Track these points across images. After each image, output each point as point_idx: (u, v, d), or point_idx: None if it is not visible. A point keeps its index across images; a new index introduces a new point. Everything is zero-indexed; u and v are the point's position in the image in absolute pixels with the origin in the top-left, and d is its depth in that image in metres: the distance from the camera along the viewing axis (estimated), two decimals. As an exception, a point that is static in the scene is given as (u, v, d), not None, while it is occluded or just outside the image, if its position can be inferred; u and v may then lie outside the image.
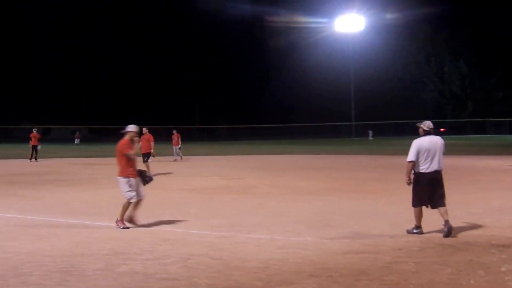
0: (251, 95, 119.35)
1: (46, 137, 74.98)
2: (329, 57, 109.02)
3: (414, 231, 12.56)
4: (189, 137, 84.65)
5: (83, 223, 14.21)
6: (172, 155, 42.07)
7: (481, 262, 9.71)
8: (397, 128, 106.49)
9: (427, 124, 12.85)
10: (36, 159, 40.19)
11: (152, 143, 28.68)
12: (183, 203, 18.31)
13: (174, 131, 42.13)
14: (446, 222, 12.26)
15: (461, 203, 17.53)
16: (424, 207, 12.72)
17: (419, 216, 12.66)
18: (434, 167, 12.49)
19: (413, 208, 12.78)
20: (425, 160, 12.46)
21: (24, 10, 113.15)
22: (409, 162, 12.55)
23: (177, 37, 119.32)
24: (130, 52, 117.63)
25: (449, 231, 12.08)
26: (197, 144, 74.91)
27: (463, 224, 13.50)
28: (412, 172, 12.67)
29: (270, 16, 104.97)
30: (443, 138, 12.76)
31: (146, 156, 28.64)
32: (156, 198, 19.53)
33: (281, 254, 10.36)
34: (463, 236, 12.00)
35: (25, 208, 15.64)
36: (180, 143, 41.88)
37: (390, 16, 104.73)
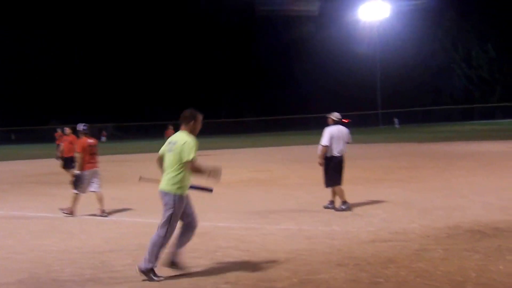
0: (277, 86, 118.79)
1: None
2: (354, 45, 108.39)
3: (343, 207, 14.23)
4: (216, 130, 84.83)
5: (112, 219, 14.35)
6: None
7: (510, 247, 9.66)
8: (424, 115, 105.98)
9: (335, 115, 14.85)
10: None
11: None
12: (210, 197, 18.31)
13: (170, 127, 41.60)
14: (332, 202, 14.57)
15: (491, 188, 17.49)
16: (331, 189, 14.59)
17: (341, 192, 14.44)
18: (343, 151, 14.60)
19: (330, 188, 14.61)
20: (336, 145, 14.46)
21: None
22: (324, 146, 14.45)
23: (200, 29, 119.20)
24: (153, 45, 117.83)
25: (347, 208, 14.11)
26: (224, 137, 75.04)
27: (493, 210, 13.48)
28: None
29: (294, 5, 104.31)
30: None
31: (68, 161, 22.38)
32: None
33: (309, 244, 10.39)
34: (492, 221, 11.95)
35: (56, 207, 15.76)
36: None
37: (415, 2, 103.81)
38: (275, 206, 15.61)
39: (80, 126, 15.13)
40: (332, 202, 14.58)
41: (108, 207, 15.26)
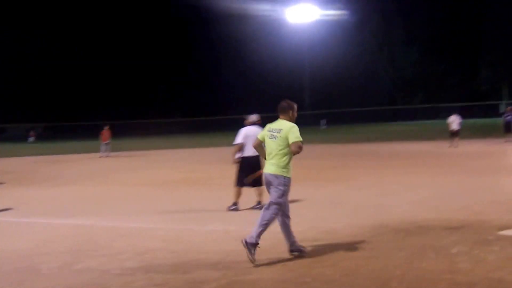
0: (206, 87, 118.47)
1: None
2: (283, 47, 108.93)
3: (232, 208, 14.72)
4: (145, 131, 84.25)
5: (43, 221, 14.14)
6: (101, 151, 41.61)
7: (434, 245, 9.89)
8: (351, 116, 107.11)
9: (253, 117, 15.13)
10: None
11: None
12: (140, 198, 18.32)
13: (106, 127, 41.51)
14: (259, 202, 14.53)
15: (416, 187, 17.86)
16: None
17: (238, 194, 14.78)
18: (255, 152, 13.46)
19: (235, 187, 14.84)
20: (250, 146, 13.62)
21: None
22: (236, 144, 14.71)
23: (131, 32, 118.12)
24: (84, 47, 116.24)
25: (258, 208, 14.04)
26: (153, 137, 74.62)
27: (417, 208, 13.76)
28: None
29: (222, 4, 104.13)
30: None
31: None
32: (114, 194, 19.61)
33: (237, 245, 10.37)
34: (417, 220, 12.20)
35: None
36: (109, 139, 41.40)
37: (342, 6, 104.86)
38: (203, 206, 15.62)
39: None
40: (259, 202, 14.63)
41: (37, 208, 15.07)
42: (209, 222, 13.05)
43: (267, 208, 9.44)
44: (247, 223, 12.73)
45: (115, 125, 44.66)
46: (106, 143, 41.22)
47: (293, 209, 14.15)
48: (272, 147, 9.53)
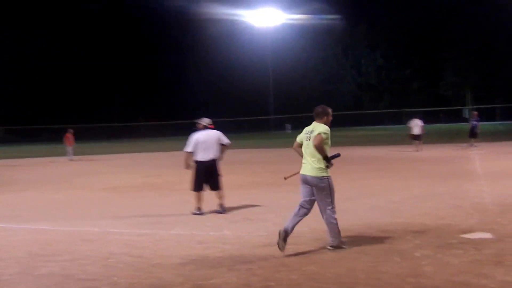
0: (170, 90, 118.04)
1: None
2: (248, 51, 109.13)
3: (196, 212, 14.60)
4: (108, 135, 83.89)
5: (2, 226, 13.93)
6: (68, 155, 41.28)
7: (398, 248, 9.93)
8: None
9: (205, 121, 15.24)
10: None
11: None
12: (103, 202, 18.19)
13: (71, 130, 41.32)
14: (220, 205, 14.75)
15: (380, 191, 17.94)
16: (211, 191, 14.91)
17: (199, 199, 14.72)
18: (210, 156, 14.68)
19: (194, 192, 14.84)
20: (203, 150, 14.64)
21: None
22: (187, 152, 14.84)
23: (91, 33, 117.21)
24: (43, 49, 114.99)
25: (223, 211, 14.58)
26: (116, 142, 74.28)
27: (381, 212, 13.82)
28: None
29: (187, 8, 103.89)
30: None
31: None
32: (76, 198, 19.44)
33: (201, 249, 10.41)
34: (381, 224, 12.25)
35: None
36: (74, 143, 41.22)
37: (307, 11, 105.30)
38: (167, 211, 15.56)
39: None
40: (221, 205, 14.74)
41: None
42: (173, 226, 12.99)
43: (325, 212, 10.21)
44: (212, 227, 12.75)
45: (77, 128, 44.32)
46: (70, 147, 40.97)
47: (259, 213, 14.25)
48: (308, 147, 10.16)
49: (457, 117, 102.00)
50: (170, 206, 16.55)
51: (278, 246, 9.74)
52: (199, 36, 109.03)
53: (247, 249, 10.24)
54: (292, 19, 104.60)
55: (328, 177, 10.12)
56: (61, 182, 25.69)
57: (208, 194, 14.85)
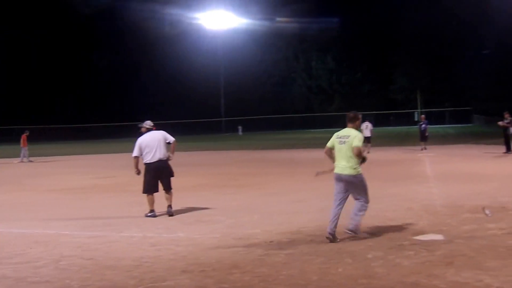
0: (122, 92, 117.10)
1: None
2: (199, 53, 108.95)
3: (149, 214, 14.49)
4: (61, 137, 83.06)
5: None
6: (22, 156, 40.71)
7: (349, 250, 10.02)
8: (267, 123, 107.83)
9: (147, 123, 15.26)
10: None
11: None
12: (55, 204, 18.04)
13: (27, 132, 40.85)
14: (169, 206, 14.68)
15: (330, 194, 17.96)
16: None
17: (151, 201, 14.64)
18: (157, 156, 14.65)
19: (145, 195, 14.80)
20: (149, 152, 14.64)
21: None
22: (134, 157, 14.92)
23: (42, 33, 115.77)
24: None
25: (170, 214, 14.49)
26: (68, 143, 73.61)
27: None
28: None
29: (139, 9, 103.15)
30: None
31: None
32: (27, 200, 19.24)
33: (154, 252, 10.39)
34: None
35: None
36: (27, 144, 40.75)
37: (258, 14, 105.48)
38: (119, 213, 15.51)
39: None
40: (169, 206, 14.71)
41: None
42: (126, 229, 12.94)
43: (360, 201, 11.28)
44: (164, 229, 12.73)
45: (30, 130, 43.70)
46: (25, 148, 40.51)
47: (209, 215, 14.26)
48: (342, 151, 11.14)
49: (408, 120, 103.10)
50: (122, 208, 16.49)
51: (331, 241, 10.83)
52: (151, 37, 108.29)
53: (200, 251, 10.26)
54: (244, 23, 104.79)
55: (361, 174, 11.19)
56: (12, 184, 25.43)
57: (160, 196, 14.80)
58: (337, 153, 11.28)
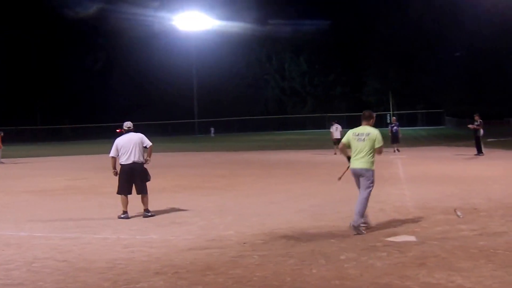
0: (95, 93, 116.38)
1: None
2: (172, 54, 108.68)
3: (122, 216, 14.48)
4: (32, 138, 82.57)
5: None
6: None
7: (323, 251, 10.07)
8: (240, 124, 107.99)
9: (126, 125, 15.30)
10: None
11: None
12: (27, 206, 17.92)
13: (1, 133, 40.55)
14: (146, 210, 14.70)
15: (303, 195, 18.13)
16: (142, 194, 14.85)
17: (124, 203, 14.63)
18: (131, 159, 14.68)
19: (120, 195, 14.78)
20: (124, 154, 14.69)
21: None
22: (111, 157, 14.95)
23: (11, 33, 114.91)
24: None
25: (150, 214, 14.54)
26: (41, 145, 73.18)
27: (305, 216, 13.95)
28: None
29: (111, 8, 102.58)
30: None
31: None
32: (-1, 202, 19.07)
33: (127, 253, 10.37)
34: (304, 227, 12.40)
35: None
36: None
37: (231, 15, 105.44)
38: (92, 214, 15.42)
39: None
40: (147, 209, 14.69)
41: None
42: (99, 230, 12.90)
43: (362, 193, 11.89)
44: (138, 230, 12.71)
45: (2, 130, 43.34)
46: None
47: (183, 217, 14.25)
48: (360, 147, 11.88)
49: (381, 122, 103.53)
50: (95, 210, 16.40)
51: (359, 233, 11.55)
52: (124, 37, 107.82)
53: (174, 252, 10.26)
54: (217, 24, 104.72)
55: (373, 170, 11.94)
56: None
57: (133, 198, 14.77)
58: (353, 149, 12.03)
